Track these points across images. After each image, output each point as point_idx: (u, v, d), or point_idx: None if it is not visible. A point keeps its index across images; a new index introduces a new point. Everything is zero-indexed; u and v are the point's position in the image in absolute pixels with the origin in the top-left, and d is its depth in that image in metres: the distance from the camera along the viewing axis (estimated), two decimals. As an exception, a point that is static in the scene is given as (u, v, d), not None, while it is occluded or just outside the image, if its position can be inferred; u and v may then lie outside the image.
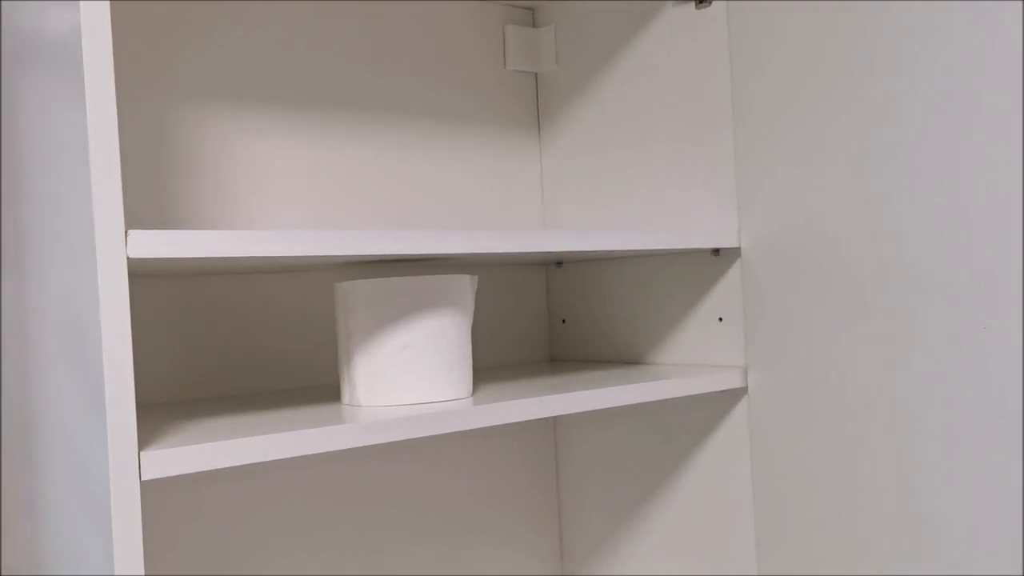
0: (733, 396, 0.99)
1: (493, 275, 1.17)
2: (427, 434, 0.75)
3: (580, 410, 0.84)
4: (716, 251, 1.00)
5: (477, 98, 1.15)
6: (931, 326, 0.81)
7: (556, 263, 1.20)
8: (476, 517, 1.14)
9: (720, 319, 1.01)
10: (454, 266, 1.09)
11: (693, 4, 1.01)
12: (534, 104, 1.20)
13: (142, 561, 0.60)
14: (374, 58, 1.06)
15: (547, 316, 1.22)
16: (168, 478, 0.91)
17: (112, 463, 0.59)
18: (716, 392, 1.00)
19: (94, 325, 0.60)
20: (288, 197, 1.00)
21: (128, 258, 0.60)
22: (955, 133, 0.79)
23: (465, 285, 0.84)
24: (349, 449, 1.03)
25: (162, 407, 0.87)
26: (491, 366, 1.16)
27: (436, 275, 0.83)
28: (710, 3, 0.99)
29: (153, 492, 0.91)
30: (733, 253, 0.98)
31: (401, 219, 1.08)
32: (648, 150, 1.06)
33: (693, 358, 1.04)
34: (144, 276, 0.90)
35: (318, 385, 1.02)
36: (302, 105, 1.01)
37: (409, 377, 0.80)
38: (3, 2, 0.75)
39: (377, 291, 0.80)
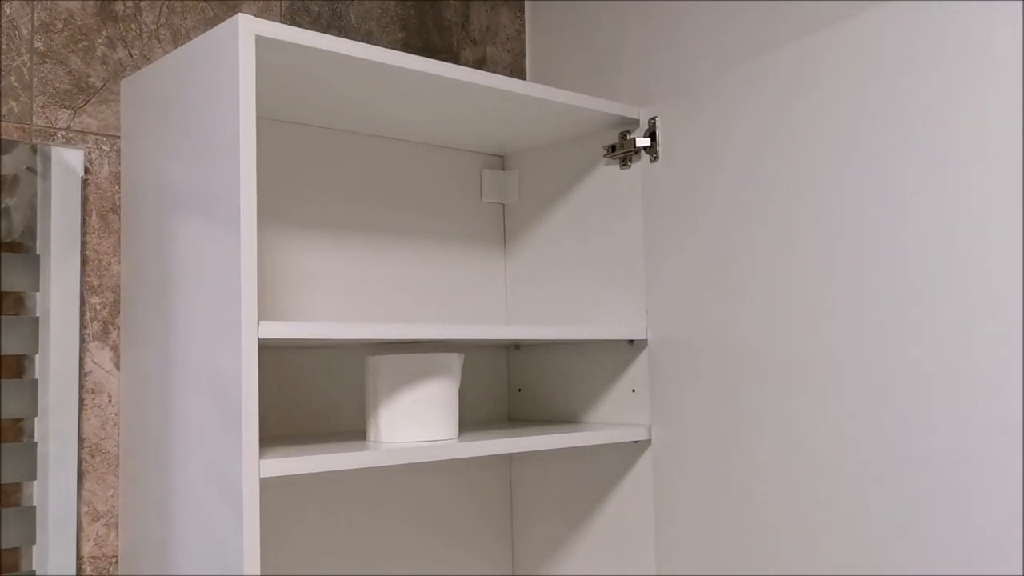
0: (641, 446, 1.37)
1: (470, 354, 1.56)
2: (428, 460, 1.13)
3: (531, 449, 1.22)
4: (631, 341, 1.40)
5: (460, 222, 1.55)
6: (778, 393, 1.21)
7: (515, 346, 1.59)
8: (450, 527, 1.50)
9: (633, 390, 1.40)
10: (444, 346, 1.47)
11: (618, 165, 1.43)
12: (502, 227, 1.61)
13: (258, 528, 0.97)
14: (389, 194, 1.46)
15: (507, 386, 1.61)
16: (271, 477, 1.28)
17: (244, 466, 0.96)
18: (628, 442, 1.39)
19: (235, 379, 0.97)
20: (325, 294, 1.38)
21: (259, 338, 0.98)
22: (782, 270, 1.20)
23: (456, 361, 1.22)
24: (375, 468, 1.40)
25: (237, 441, 1.23)
26: (466, 421, 1.54)
27: (437, 353, 1.21)
28: (631, 166, 1.41)
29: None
30: (642, 343, 1.38)
31: (404, 312, 1.47)
32: (584, 266, 1.47)
33: (613, 418, 1.42)
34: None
35: (344, 430, 1.38)
36: (339, 229, 1.40)
37: (417, 422, 1.18)
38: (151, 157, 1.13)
39: (397, 363, 1.19)
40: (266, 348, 1.31)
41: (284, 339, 1.01)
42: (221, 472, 0.99)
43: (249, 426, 0.97)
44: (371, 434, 1.21)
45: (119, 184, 1.21)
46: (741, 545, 1.23)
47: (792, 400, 1.18)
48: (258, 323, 0.98)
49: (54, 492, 1.13)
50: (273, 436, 1.31)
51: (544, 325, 1.26)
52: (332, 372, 1.39)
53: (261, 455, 1.01)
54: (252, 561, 0.96)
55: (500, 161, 1.62)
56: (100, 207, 1.19)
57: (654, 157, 1.37)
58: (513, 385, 1.60)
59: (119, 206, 1.21)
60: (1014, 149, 0.99)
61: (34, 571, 1.11)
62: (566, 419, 1.50)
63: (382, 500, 1.42)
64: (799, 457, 1.17)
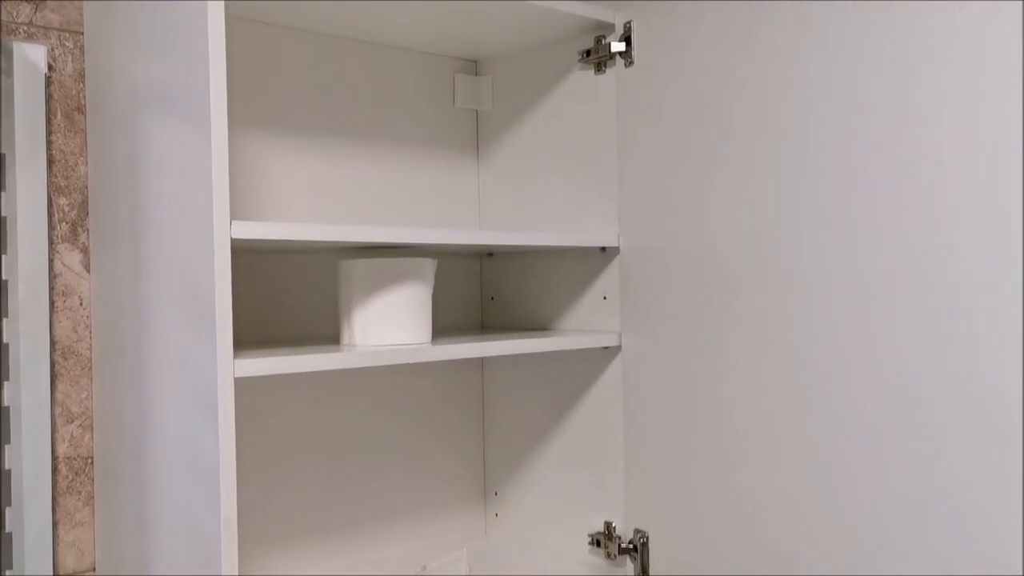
0: (611, 352, 1.39)
1: (442, 262, 1.56)
2: (401, 362, 1.14)
3: (503, 353, 1.24)
4: (603, 249, 1.41)
5: (433, 128, 1.54)
6: (748, 300, 1.22)
7: (488, 254, 1.60)
8: (423, 431, 1.52)
9: (604, 297, 1.41)
10: (417, 252, 1.47)
11: (593, 71, 1.41)
12: (474, 133, 1.59)
13: (233, 428, 0.97)
14: (362, 98, 1.44)
15: (480, 294, 1.61)
16: (246, 378, 1.29)
17: (219, 366, 0.96)
18: (598, 348, 1.40)
19: (208, 279, 0.97)
20: (296, 199, 1.37)
21: (232, 238, 0.97)
22: (755, 177, 1.20)
23: (429, 266, 1.23)
24: (349, 372, 1.41)
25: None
26: (439, 329, 1.55)
27: (410, 258, 1.21)
28: (605, 72, 1.39)
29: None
30: (614, 251, 1.39)
31: (376, 219, 1.46)
32: (557, 173, 1.46)
33: (585, 326, 1.44)
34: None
35: (318, 335, 1.39)
36: (311, 133, 1.38)
37: (390, 326, 1.19)
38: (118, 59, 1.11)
39: (371, 268, 1.19)
40: (238, 253, 1.30)
41: (257, 239, 1.01)
42: (195, 373, 1.00)
43: (223, 326, 0.97)
44: (345, 338, 1.21)
45: (84, 82, 1.18)
46: (708, 448, 1.26)
47: (762, 307, 1.19)
48: (231, 223, 0.97)
49: (27, 393, 1.13)
50: (246, 341, 1.31)
51: (517, 232, 1.26)
52: (304, 278, 1.39)
53: (235, 356, 1.01)
54: (227, 461, 0.97)
55: (473, 66, 1.59)
56: (65, 106, 1.17)
57: (629, 62, 1.35)
58: (486, 294, 1.61)
59: (84, 105, 1.18)
60: (987, 61, 0.99)
61: (9, 470, 1.12)
62: (538, 327, 1.52)
63: (355, 404, 1.44)
64: (768, 363, 1.19)
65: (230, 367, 0.97)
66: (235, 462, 0.98)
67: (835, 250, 1.12)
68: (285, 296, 1.36)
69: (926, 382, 1.04)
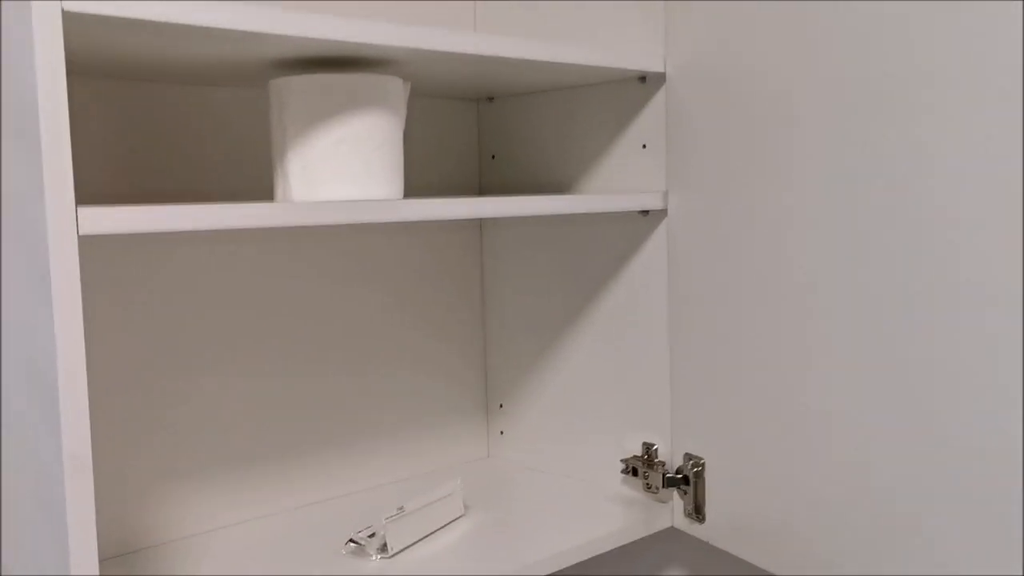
0: (652, 218, 1.03)
1: (424, 107, 1.18)
2: (358, 220, 0.78)
3: (504, 214, 0.87)
4: (642, 77, 1.03)
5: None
6: (851, 150, 0.85)
7: (487, 98, 1.22)
8: (405, 323, 1.18)
9: (644, 146, 1.04)
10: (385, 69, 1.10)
11: None
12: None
13: (80, 302, 0.62)
14: None
15: (477, 152, 1.25)
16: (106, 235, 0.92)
17: (50, 218, 0.61)
18: (634, 212, 1.04)
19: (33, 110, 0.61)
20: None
21: (63, 10, 0.61)
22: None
23: (398, 87, 0.86)
24: (285, 231, 1.05)
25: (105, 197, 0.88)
26: (418, 193, 1.19)
27: (369, 74, 0.84)
28: None
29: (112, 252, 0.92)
30: (659, 78, 1.01)
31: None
32: (580, -21, 1.08)
33: (617, 185, 1.07)
34: (83, 75, 0.89)
35: (250, 189, 1.03)
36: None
37: (342, 172, 0.82)
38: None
39: (311, 86, 0.82)
40: (132, 78, 0.93)
41: (97, 15, 0.63)
42: (29, 229, 0.64)
43: (57, 154, 0.61)
44: (279, 191, 0.85)
45: None
46: (777, 348, 0.90)
47: (855, 150, 0.82)
48: (60, -13, 0.60)
49: None
50: (148, 194, 0.95)
51: (526, 41, 0.88)
52: (228, 117, 1.01)
53: (80, 203, 0.65)
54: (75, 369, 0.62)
55: None
56: None
57: None
58: (485, 151, 1.24)
59: None
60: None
61: None
62: (554, 192, 1.15)
63: (303, 269, 1.08)
64: (850, 218, 0.82)
65: (71, 218, 0.61)
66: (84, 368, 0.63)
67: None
68: (198, 140, 1.00)
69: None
